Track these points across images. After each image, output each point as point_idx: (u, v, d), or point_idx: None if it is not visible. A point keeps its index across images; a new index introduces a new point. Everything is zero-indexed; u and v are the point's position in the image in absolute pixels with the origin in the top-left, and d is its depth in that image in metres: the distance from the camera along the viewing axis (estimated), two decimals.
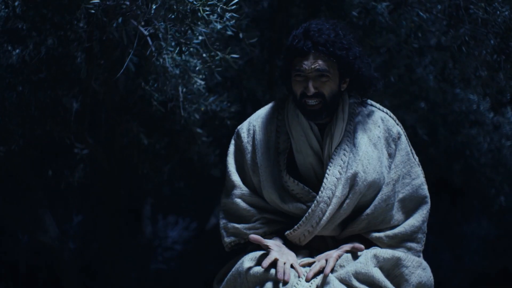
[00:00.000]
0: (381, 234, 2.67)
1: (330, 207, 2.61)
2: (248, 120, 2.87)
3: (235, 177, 2.80)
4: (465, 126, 5.35)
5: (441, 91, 4.99)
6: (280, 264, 2.48)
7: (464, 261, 6.64)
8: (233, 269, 2.64)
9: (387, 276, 2.54)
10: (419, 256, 2.73)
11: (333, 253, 2.60)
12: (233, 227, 2.75)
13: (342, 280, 2.48)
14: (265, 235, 2.70)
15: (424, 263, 2.68)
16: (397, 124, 2.81)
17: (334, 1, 3.91)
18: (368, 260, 2.51)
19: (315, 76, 2.59)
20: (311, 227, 2.62)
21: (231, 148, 2.86)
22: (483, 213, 6.37)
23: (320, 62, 2.58)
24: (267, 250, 2.59)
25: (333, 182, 2.61)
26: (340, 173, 2.63)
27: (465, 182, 5.61)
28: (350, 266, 2.52)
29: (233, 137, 2.88)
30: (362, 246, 2.60)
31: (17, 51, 3.53)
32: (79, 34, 3.41)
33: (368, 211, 2.65)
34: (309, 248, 2.74)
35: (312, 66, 2.58)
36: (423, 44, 4.35)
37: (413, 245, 2.71)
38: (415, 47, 4.28)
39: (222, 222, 2.81)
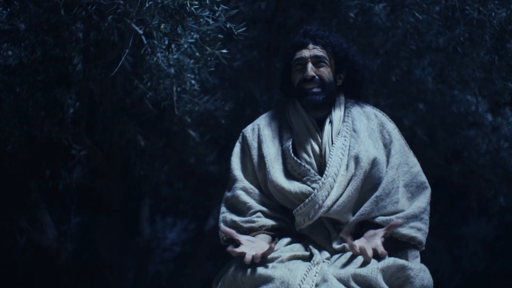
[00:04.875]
0: (391, 216, 2.73)
1: (337, 184, 2.71)
2: (251, 123, 3.01)
3: (238, 172, 2.90)
4: (464, 127, 5.34)
5: (439, 93, 4.99)
6: (248, 255, 2.54)
7: (462, 262, 6.64)
8: (228, 273, 2.66)
9: (390, 277, 2.56)
10: (425, 238, 2.78)
11: (373, 244, 2.61)
12: (231, 220, 2.81)
13: (340, 280, 2.49)
14: (261, 229, 2.77)
15: (424, 266, 2.70)
16: (390, 121, 2.94)
17: (331, 2, 3.92)
18: (369, 264, 2.53)
19: (314, 62, 2.82)
20: (321, 201, 2.68)
21: (236, 149, 2.98)
22: (481, 214, 6.37)
23: (318, 49, 2.83)
24: (238, 244, 2.66)
25: (337, 161, 2.74)
26: (343, 155, 2.76)
27: (464, 183, 5.60)
28: (350, 267, 2.54)
29: (238, 140, 3.00)
30: (400, 221, 2.66)
31: (16, 52, 3.53)
32: (75, 35, 3.42)
33: (377, 193, 2.74)
34: (310, 241, 2.78)
35: (311, 53, 2.83)
36: (420, 46, 4.35)
37: (422, 225, 2.76)
38: (413, 49, 4.28)
39: (222, 215, 2.88)
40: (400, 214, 2.73)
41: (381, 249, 2.57)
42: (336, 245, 2.75)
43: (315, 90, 2.81)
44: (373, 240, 2.64)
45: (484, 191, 5.54)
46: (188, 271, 5.23)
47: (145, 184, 5.39)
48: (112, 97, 4.03)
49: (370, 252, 2.54)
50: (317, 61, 2.82)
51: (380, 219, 2.73)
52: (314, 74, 2.81)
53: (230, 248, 2.58)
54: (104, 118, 4.26)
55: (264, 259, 2.59)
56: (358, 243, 2.63)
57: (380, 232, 2.67)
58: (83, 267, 4.71)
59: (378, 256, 2.56)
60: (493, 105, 5.26)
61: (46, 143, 4.01)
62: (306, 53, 2.83)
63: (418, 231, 2.73)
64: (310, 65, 2.81)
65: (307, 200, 2.69)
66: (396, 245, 2.72)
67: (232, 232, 2.69)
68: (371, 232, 2.70)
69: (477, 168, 5.40)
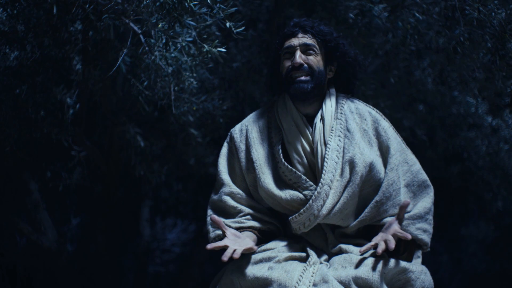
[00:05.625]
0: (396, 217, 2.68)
1: (332, 191, 2.65)
2: (240, 123, 2.94)
3: (225, 176, 2.85)
4: (463, 129, 5.34)
5: (439, 94, 4.99)
6: (229, 250, 2.46)
7: (462, 263, 6.64)
8: (225, 276, 2.65)
9: (391, 280, 2.56)
10: (430, 239, 2.74)
11: (391, 231, 2.58)
12: None
13: (341, 282, 2.49)
14: (250, 229, 2.75)
15: (425, 268, 2.70)
16: (384, 119, 2.86)
17: (330, 3, 3.92)
18: (371, 267, 2.53)
19: (303, 50, 2.75)
20: (317, 210, 2.63)
21: (224, 150, 2.92)
22: (480, 216, 6.37)
23: (307, 37, 2.77)
24: (223, 236, 2.61)
25: (333, 165, 2.67)
26: (338, 157, 2.69)
27: (463, 185, 5.60)
28: (351, 270, 2.53)
29: (226, 140, 2.94)
30: (408, 201, 2.59)
31: (16, 53, 3.53)
32: (74, 35, 3.42)
33: (377, 197, 2.69)
34: (306, 242, 2.77)
35: (300, 41, 2.76)
36: (420, 46, 4.35)
37: (427, 226, 2.72)
38: (413, 49, 4.28)
39: (209, 218, 2.80)
40: (406, 215, 2.67)
41: (401, 232, 2.54)
42: (331, 249, 2.74)
43: (303, 78, 2.72)
44: (391, 228, 2.59)
45: (483, 193, 5.54)
46: (187, 273, 5.22)
47: (145, 185, 5.39)
48: (111, 97, 4.03)
49: (393, 242, 2.49)
50: (306, 49, 2.75)
51: (387, 220, 2.69)
52: (302, 61, 2.72)
53: (210, 245, 2.49)
54: (103, 119, 4.27)
55: (245, 255, 2.58)
56: (377, 238, 2.59)
57: (394, 220, 2.61)
58: (83, 268, 4.69)
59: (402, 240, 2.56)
60: (493, 107, 5.26)
61: (46, 144, 4.01)
62: (295, 41, 2.76)
63: (424, 232, 2.69)
64: (298, 53, 2.73)
65: (302, 210, 2.65)
66: (404, 245, 2.68)
67: (220, 221, 2.61)
68: (386, 225, 2.64)
69: (477, 169, 5.40)
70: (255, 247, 2.58)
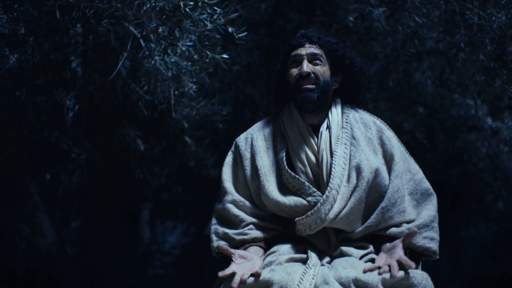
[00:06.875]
0: (403, 228, 2.71)
1: (339, 196, 2.68)
2: (245, 132, 2.97)
3: (228, 184, 2.88)
4: (463, 131, 5.34)
5: (439, 96, 4.99)
6: (237, 277, 2.51)
7: (462, 266, 6.62)
8: (227, 279, 2.64)
9: (391, 285, 2.54)
10: (437, 247, 2.74)
11: (396, 256, 2.58)
12: (223, 232, 2.80)
13: (341, 283, 2.49)
14: (254, 242, 2.78)
15: (426, 274, 2.68)
16: (388, 129, 2.89)
17: (330, 6, 3.92)
18: (372, 271, 2.53)
19: (310, 59, 2.78)
20: (324, 214, 2.66)
21: (228, 159, 2.95)
22: (481, 218, 6.36)
23: (314, 47, 2.80)
24: (231, 260, 2.65)
25: (340, 171, 2.70)
26: (345, 164, 2.72)
27: (463, 187, 5.60)
28: (352, 271, 2.53)
29: (230, 149, 2.97)
30: (416, 229, 2.60)
31: (16, 56, 3.53)
32: (74, 38, 3.42)
33: (382, 203, 2.72)
34: (309, 244, 2.78)
35: (307, 51, 2.79)
36: (420, 50, 4.35)
37: (434, 234, 2.73)
38: (413, 53, 4.28)
39: (214, 227, 2.86)
40: (411, 225, 2.70)
41: (405, 260, 2.53)
42: (333, 252, 2.75)
43: (309, 86, 2.75)
44: (396, 253, 2.60)
45: (483, 195, 5.54)
46: (188, 275, 5.22)
47: (145, 187, 5.39)
48: (111, 101, 4.03)
49: (396, 268, 2.49)
50: (313, 59, 2.78)
51: (392, 231, 2.72)
52: (309, 70, 2.75)
53: (221, 273, 2.55)
54: (103, 121, 4.26)
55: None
56: (381, 260, 2.60)
57: (399, 243, 2.63)
58: (83, 271, 4.69)
59: (404, 268, 2.53)
60: (492, 109, 5.26)
61: (46, 147, 4.01)
62: (302, 51, 2.79)
63: (431, 241, 2.71)
64: (305, 62, 2.77)
65: (309, 212, 2.66)
66: (411, 255, 2.67)
67: (228, 249, 2.66)
68: (388, 245, 2.67)
69: (477, 172, 5.40)
70: (261, 271, 2.58)
